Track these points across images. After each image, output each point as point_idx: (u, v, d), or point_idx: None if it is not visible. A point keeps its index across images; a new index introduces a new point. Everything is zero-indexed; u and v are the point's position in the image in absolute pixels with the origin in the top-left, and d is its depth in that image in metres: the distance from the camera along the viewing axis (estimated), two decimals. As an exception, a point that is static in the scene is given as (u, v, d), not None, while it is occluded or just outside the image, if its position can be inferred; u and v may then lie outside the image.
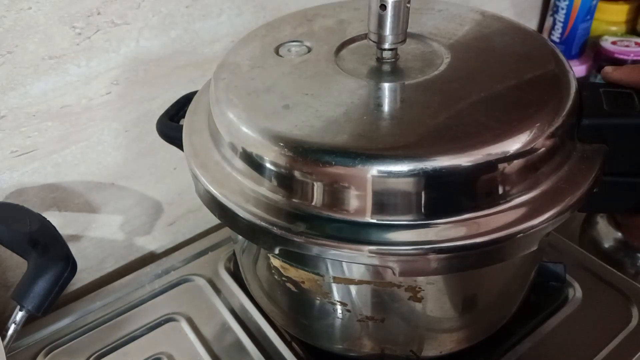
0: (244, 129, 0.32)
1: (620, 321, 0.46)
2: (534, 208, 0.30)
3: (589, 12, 0.81)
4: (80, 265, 0.42)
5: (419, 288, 0.35)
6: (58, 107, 0.46)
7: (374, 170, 0.29)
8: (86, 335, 0.48)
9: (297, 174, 0.30)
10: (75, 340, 0.48)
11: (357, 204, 0.30)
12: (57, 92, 0.45)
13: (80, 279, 0.55)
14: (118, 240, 0.56)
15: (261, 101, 0.33)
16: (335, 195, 0.30)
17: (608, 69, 0.36)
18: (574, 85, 0.34)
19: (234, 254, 0.55)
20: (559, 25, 0.83)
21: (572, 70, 0.36)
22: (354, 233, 0.29)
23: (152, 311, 0.50)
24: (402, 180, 0.29)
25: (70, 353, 0.47)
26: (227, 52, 0.39)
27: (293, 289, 0.38)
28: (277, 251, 0.32)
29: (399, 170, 0.29)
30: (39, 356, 0.47)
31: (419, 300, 0.36)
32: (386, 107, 0.33)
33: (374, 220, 0.30)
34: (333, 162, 0.29)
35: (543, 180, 0.31)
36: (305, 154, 0.30)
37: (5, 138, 0.44)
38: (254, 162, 0.32)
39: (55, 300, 0.40)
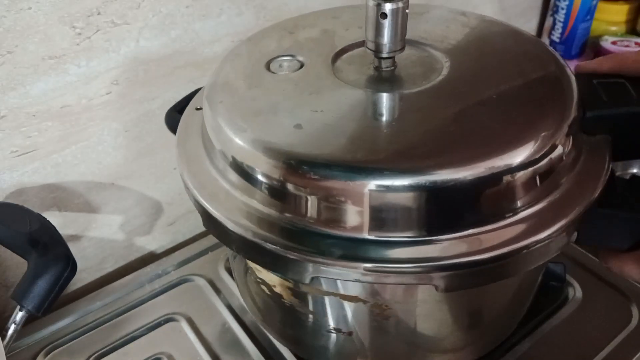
0: (257, 153, 0.30)
1: (620, 321, 0.46)
2: (564, 204, 0.30)
3: (589, 12, 0.81)
4: (80, 265, 0.42)
5: (386, 306, 0.34)
6: (58, 107, 0.46)
7: (372, 184, 0.28)
8: (86, 335, 0.48)
9: (307, 191, 0.29)
10: (75, 340, 0.48)
11: (354, 220, 0.29)
12: (57, 92, 0.45)
13: (80, 279, 0.55)
14: (118, 240, 0.56)
15: (271, 123, 0.32)
16: (332, 210, 0.29)
17: (582, 63, 0.37)
18: (574, 80, 0.34)
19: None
20: (559, 25, 0.83)
21: (567, 65, 0.36)
22: (350, 250, 0.28)
23: (152, 311, 0.50)
24: (401, 195, 0.28)
25: (70, 353, 0.47)
26: (214, 72, 0.37)
27: (267, 291, 0.38)
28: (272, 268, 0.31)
29: (398, 185, 0.28)
30: (39, 356, 0.47)
31: (386, 318, 0.35)
32: (394, 118, 0.32)
33: (372, 237, 0.29)
34: (337, 176, 0.28)
35: (564, 179, 0.31)
36: (319, 170, 0.29)
37: (5, 138, 0.44)
38: (270, 186, 0.30)
39: (55, 300, 0.40)
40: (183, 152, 0.36)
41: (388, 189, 0.28)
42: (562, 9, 0.81)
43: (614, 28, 0.85)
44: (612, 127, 0.33)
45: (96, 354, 0.46)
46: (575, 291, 0.49)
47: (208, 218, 0.32)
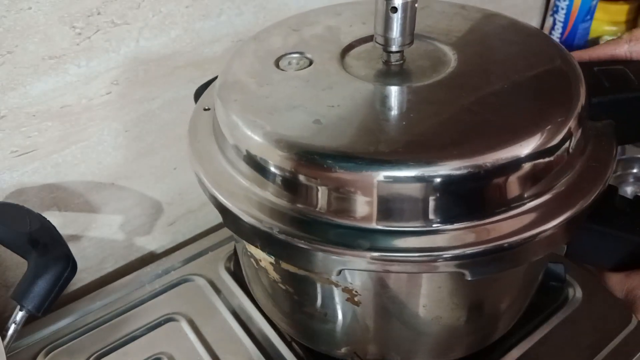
0: (278, 150, 0.30)
1: (620, 321, 0.46)
2: (574, 191, 0.30)
3: (589, 12, 0.81)
4: (80, 265, 0.42)
5: (355, 292, 0.34)
6: (58, 107, 0.46)
7: (380, 175, 0.28)
8: (86, 335, 0.48)
9: (318, 182, 0.30)
10: (75, 340, 0.48)
11: (363, 210, 0.29)
12: (57, 92, 0.45)
13: (80, 279, 0.55)
14: (118, 240, 0.56)
15: (289, 119, 0.32)
16: (342, 201, 0.29)
17: (576, 53, 0.38)
18: (579, 69, 0.34)
19: (234, 253, 0.55)
20: (559, 25, 0.83)
21: (572, 56, 0.36)
22: (358, 239, 0.29)
23: (152, 311, 0.50)
24: (410, 186, 0.28)
25: (70, 353, 0.47)
26: (223, 71, 0.38)
27: (255, 265, 0.39)
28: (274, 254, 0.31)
29: (405, 176, 0.28)
30: (39, 356, 0.47)
31: (357, 303, 0.35)
32: (406, 110, 0.32)
33: (380, 227, 0.29)
34: (346, 168, 0.29)
35: (575, 165, 0.31)
36: (331, 163, 0.29)
37: (5, 138, 0.44)
38: (295, 181, 0.31)
39: (55, 300, 0.40)
40: (195, 150, 0.37)
41: (397, 180, 0.28)
42: (562, 9, 0.81)
43: (614, 28, 0.85)
44: (615, 111, 0.34)
45: (96, 354, 0.46)
46: (575, 291, 0.49)
47: (225, 213, 0.33)
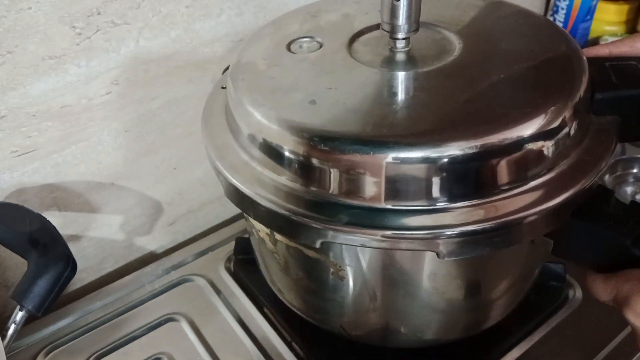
0: (274, 127, 0.32)
1: (620, 321, 0.45)
2: (562, 182, 0.31)
3: (589, 12, 0.81)
4: (80, 265, 0.42)
5: (339, 267, 0.36)
6: (58, 107, 0.46)
7: (389, 157, 0.29)
8: (86, 335, 0.48)
9: (328, 166, 0.31)
10: (75, 340, 0.48)
11: (373, 191, 0.30)
12: (57, 92, 0.45)
13: (80, 279, 0.55)
14: (118, 240, 0.56)
15: (287, 99, 0.34)
16: (352, 182, 0.30)
17: (593, 48, 0.37)
18: (585, 62, 0.34)
19: (234, 253, 0.55)
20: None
21: (579, 47, 0.36)
22: (369, 219, 0.30)
23: (152, 311, 0.50)
24: (416, 167, 0.29)
25: (70, 353, 0.47)
26: (239, 53, 0.39)
27: (255, 235, 0.40)
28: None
29: (413, 157, 0.29)
30: (39, 356, 0.47)
31: (341, 278, 0.36)
32: (408, 95, 0.33)
33: (389, 206, 0.30)
34: (355, 151, 0.30)
35: (567, 156, 0.32)
36: (336, 146, 0.30)
37: (5, 138, 0.44)
38: (286, 158, 0.32)
39: (55, 300, 0.40)
40: (206, 127, 0.38)
41: (406, 161, 0.29)
42: (562, 9, 0.81)
43: (613, 28, 0.85)
44: (621, 108, 0.34)
45: (96, 354, 0.47)
46: (575, 291, 0.49)
47: (227, 185, 0.34)
